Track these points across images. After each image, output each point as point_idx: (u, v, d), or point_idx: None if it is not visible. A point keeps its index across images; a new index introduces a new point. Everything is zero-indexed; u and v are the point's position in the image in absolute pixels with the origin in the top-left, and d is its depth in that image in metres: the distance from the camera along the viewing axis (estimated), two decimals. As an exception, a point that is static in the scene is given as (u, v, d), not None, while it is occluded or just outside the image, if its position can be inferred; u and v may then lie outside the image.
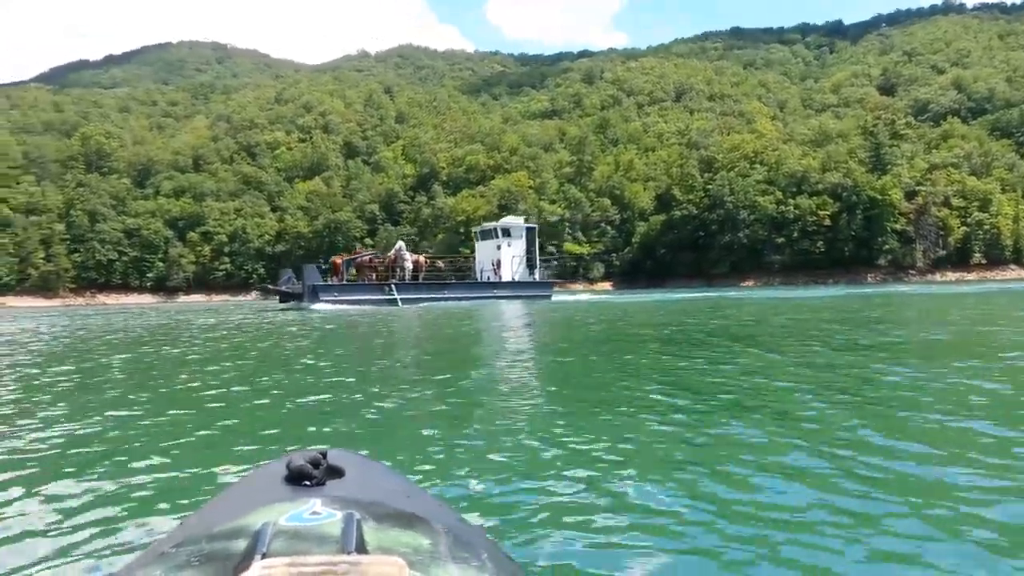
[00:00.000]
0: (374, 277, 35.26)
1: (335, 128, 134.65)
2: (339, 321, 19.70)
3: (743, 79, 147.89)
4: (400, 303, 32.79)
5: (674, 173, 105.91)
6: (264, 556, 0.64)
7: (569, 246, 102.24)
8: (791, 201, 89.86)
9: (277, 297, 36.99)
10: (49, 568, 2.37)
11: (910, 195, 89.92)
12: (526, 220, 44.19)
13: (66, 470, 3.70)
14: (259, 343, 12.54)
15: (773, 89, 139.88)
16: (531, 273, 39.65)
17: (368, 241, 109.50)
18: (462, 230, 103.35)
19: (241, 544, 0.70)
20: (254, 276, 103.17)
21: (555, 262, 43.71)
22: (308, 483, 0.93)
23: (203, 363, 9.51)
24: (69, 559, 2.44)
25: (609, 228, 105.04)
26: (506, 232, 39.88)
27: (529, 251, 40.05)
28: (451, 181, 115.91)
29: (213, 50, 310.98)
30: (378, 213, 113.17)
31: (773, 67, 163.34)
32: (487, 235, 41.53)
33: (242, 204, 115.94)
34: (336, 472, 0.98)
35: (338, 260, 36.07)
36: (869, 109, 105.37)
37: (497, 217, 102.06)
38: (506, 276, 38.66)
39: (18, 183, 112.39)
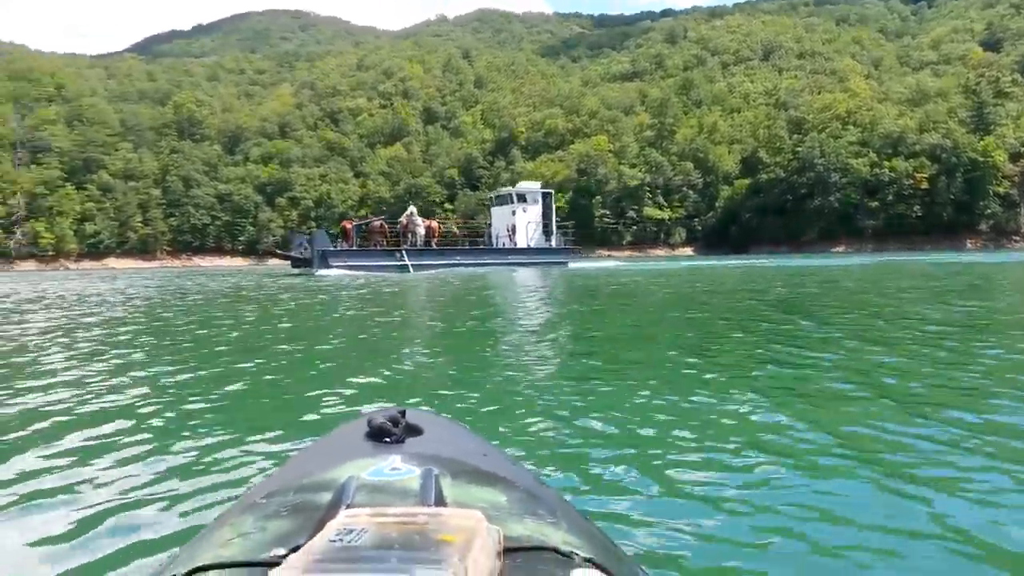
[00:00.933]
0: (385, 243, 34.81)
1: (415, 94, 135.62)
2: (350, 288, 19.37)
3: (835, 36, 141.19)
4: (411, 269, 32.37)
5: (761, 135, 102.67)
6: (348, 507, 0.67)
7: (650, 211, 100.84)
8: (886, 163, 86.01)
9: (290, 262, 36.58)
10: (148, 518, 2.49)
11: (1015, 157, 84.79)
12: (543, 185, 42.88)
13: (152, 428, 3.83)
14: (273, 309, 12.44)
15: (867, 46, 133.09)
16: (547, 239, 38.64)
17: (448, 206, 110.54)
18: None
19: (327, 496, 0.73)
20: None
21: (571, 230, 42.37)
22: (388, 440, 0.95)
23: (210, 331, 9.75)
24: (168, 511, 2.56)
25: (691, 192, 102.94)
26: (521, 197, 38.86)
27: (545, 217, 38.95)
28: (530, 145, 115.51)
29: (295, 18, 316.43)
30: (457, 178, 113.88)
31: (867, 23, 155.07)
32: (502, 200, 40.35)
33: (327, 170, 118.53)
34: (415, 430, 1.00)
35: (349, 225, 35.75)
36: (971, 66, 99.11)
37: (577, 182, 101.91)
38: (521, 242, 37.79)
39: (116, 150, 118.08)
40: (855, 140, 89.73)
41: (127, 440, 3.54)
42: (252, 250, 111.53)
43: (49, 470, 3.11)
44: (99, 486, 2.85)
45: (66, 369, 5.91)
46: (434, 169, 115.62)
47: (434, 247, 35.54)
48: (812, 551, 2.10)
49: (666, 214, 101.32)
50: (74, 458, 3.27)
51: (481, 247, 38.26)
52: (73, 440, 3.60)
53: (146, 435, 3.62)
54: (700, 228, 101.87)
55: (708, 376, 4.89)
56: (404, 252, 33.36)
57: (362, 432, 1.00)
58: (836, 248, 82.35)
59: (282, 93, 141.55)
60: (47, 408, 4.37)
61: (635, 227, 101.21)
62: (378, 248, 34.15)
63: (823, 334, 7.13)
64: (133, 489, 2.79)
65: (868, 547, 2.11)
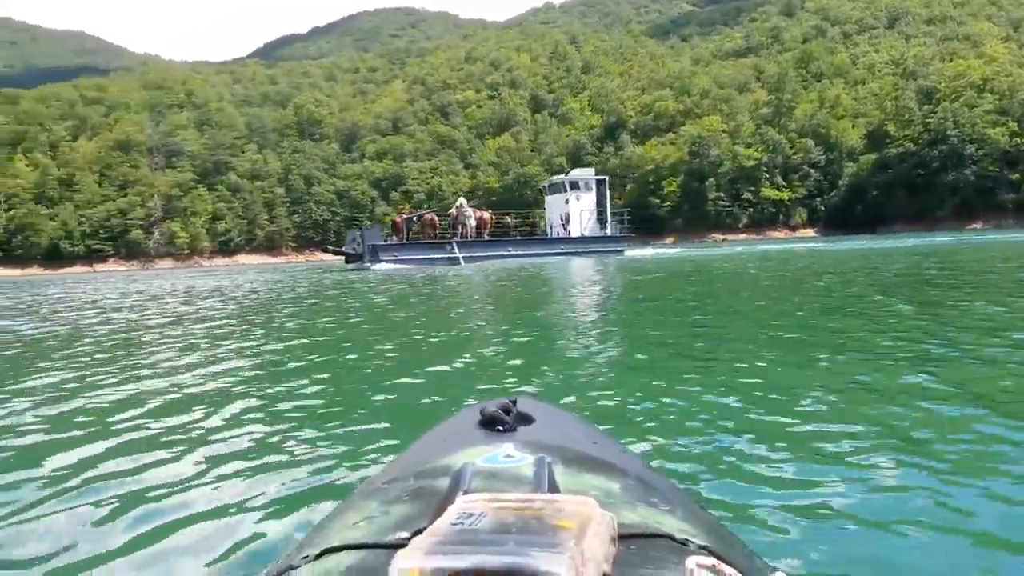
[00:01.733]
0: (435, 236, 34.42)
1: (522, 83, 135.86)
2: (403, 281, 19.37)
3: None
4: (462, 261, 32.05)
5: (888, 107, 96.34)
6: (465, 493, 0.68)
7: (767, 191, 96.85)
8: (1029, 132, 78.91)
9: (343, 258, 36.80)
10: (275, 500, 2.57)
11: None
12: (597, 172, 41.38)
13: (271, 413, 3.91)
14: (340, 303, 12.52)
15: (1006, 7, 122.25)
16: (602, 228, 37.49)
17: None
18: (651, 180, 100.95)
19: (444, 482, 0.75)
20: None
21: (626, 217, 40.71)
22: (500, 428, 0.96)
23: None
24: (293, 494, 2.64)
25: (812, 171, 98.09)
26: (575, 185, 37.74)
27: (600, 204, 37.76)
28: (639, 129, 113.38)
29: (406, 15, 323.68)
30: (566, 165, 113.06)
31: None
32: (555, 189, 39.26)
33: (438, 163, 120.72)
34: (526, 419, 1.00)
35: (399, 219, 35.75)
36: None
37: (689, 164, 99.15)
38: (575, 231, 36.85)
39: (243, 152, 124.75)
40: (992, 109, 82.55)
41: (253, 426, 3.73)
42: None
43: (162, 454, 3.26)
44: (221, 472, 2.96)
45: (182, 357, 6.37)
46: (542, 157, 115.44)
47: (486, 238, 35.19)
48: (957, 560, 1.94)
49: (785, 194, 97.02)
50: (191, 439, 3.47)
51: (533, 237, 37.62)
52: (190, 422, 3.83)
53: (271, 425, 3.74)
54: (823, 208, 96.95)
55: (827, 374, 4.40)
56: (455, 244, 33.15)
57: (474, 421, 1.01)
58: (972, 225, 76.00)
59: (394, 89, 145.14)
60: (158, 393, 4.69)
61: (751, 209, 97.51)
62: (428, 241, 33.88)
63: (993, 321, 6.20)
64: (259, 473, 2.92)
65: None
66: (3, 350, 7.68)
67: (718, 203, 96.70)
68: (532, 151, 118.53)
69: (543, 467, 0.75)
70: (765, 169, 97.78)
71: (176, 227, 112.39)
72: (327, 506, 2.31)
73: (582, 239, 36.28)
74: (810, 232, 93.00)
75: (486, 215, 36.79)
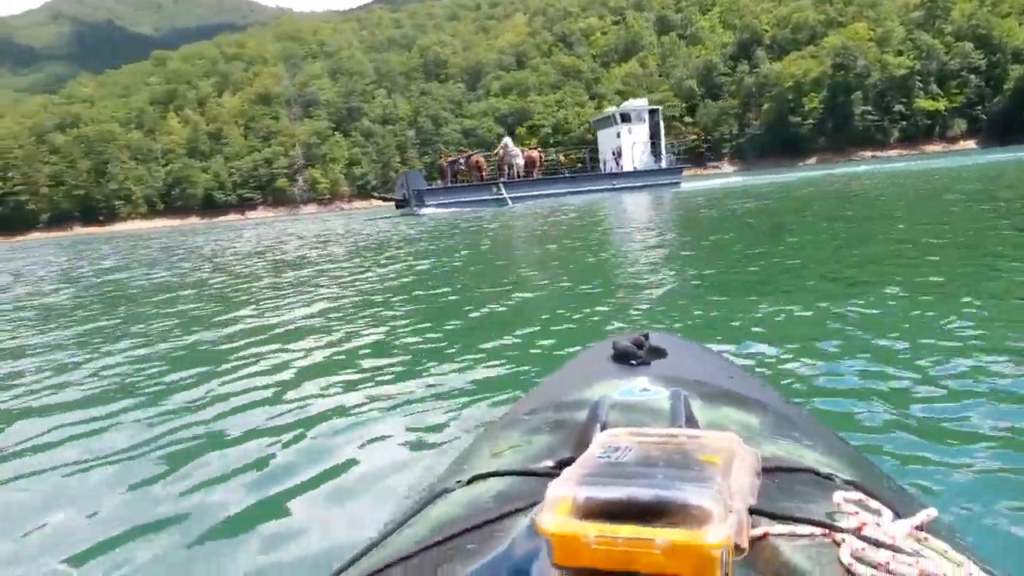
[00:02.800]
0: (482, 177, 33.61)
1: (647, 5, 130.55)
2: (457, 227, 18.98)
3: None
4: (510, 202, 31.27)
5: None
6: (604, 426, 0.68)
7: (921, 102, 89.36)
8: None
9: (394, 204, 36.42)
10: (418, 429, 2.65)
11: None
12: (649, 102, 38.91)
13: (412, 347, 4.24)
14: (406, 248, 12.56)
15: None
16: (656, 160, 35.86)
17: (688, 119, 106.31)
18: (791, 97, 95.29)
19: (582, 414, 0.76)
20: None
21: (680, 146, 38.18)
22: (633, 362, 0.96)
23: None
24: (434, 424, 2.72)
25: (972, 77, 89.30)
26: (625, 117, 36.06)
27: (653, 136, 36.11)
28: (776, 44, 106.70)
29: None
30: (696, 89, 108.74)
31: None
32: (605, 123, 37.70)
33: (563, 95, 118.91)
34: (659, 352, 1.00)
35: (444, 162, 35.24)
36: None
37: (833, 78, 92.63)
38: (627, 165, 35.40)
39: (374, 97, 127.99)
40: None
41: (385, 360, 3.87)
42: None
43: (283, 391, 3.42)
44: (365, 407, 3.06)
45: (323, 295, 6.74)
46: (671, 82, 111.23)
47: (535, 177, 34.35)
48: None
49: (941, 104, 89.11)
50: (325, 379, 3.57)
51: (583, 174, 36.40)
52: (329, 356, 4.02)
53: (409, 361, 3.87)
54: (984, 117, 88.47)
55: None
56: (501, 185, 32.43)
57: (607, 355, 1.01)
58: None
59: (516, 23, 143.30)
60: (262, 330, 5.04)
61: (904, 122, 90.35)
62: (474, 183, 33.25)
63: None
64: (399, 406, 3.02)
65: None
66: (170, 290, 8.44)
67: (866, 118, 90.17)
68: (660, 76, 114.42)
69: (679, 400, 0.75)
70: (919, 78, 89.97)
71: (317, 174, 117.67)
72: (468, 437, 2.32)
73: (635, 173, 35.12)
74: (970, 144, 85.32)
75: (534, 154, 36.15)
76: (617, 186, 34.02)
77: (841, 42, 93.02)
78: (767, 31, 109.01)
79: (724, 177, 56.64)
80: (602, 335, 3.98)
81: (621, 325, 4.28)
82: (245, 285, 8.53)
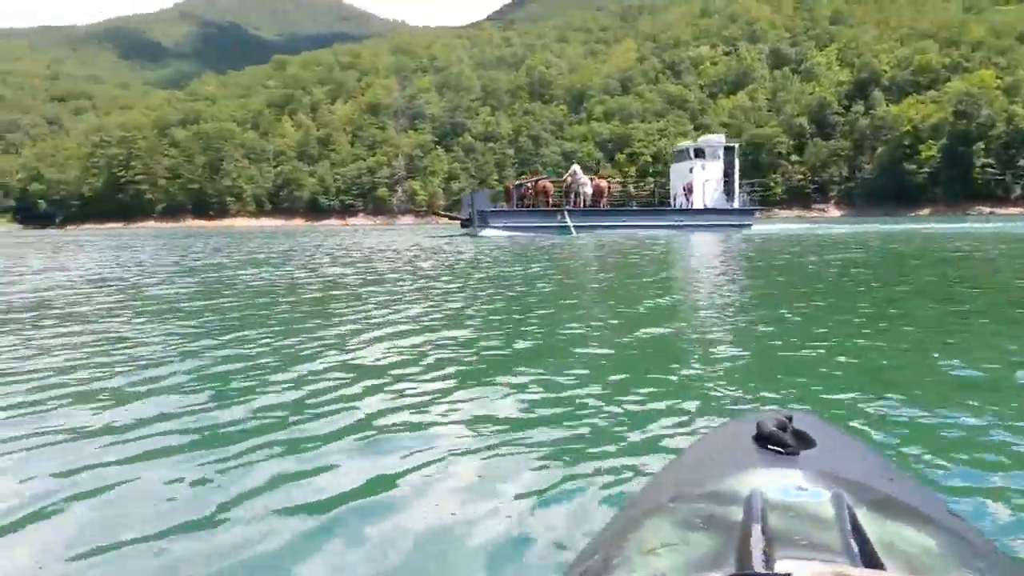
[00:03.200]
0: (548, 203, 32.96)
1: (762, 36, 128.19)
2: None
3: None
4: (573, 231, 30.71)
5: None
6: (764, 530, 0.65)
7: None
8: None
9: (459, 223, 36.32)
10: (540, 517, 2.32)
11: None
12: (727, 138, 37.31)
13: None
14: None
15: None
16: (728, 200, 34.33)
17: (795, 158, 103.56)
18: (907, 143, 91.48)
19: (734, 511, 0.71)
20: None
21: (757, 189, 36.62)
22: (780, 450, 0.91)
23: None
24: (540, 490, 2.43)
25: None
26: (700, 153, 34.75)
27: (728, 174, 34.52)
28: (895, 86, 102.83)
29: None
30: (807, 126, 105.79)
31: None
32: (680, 156, 36.42)
33: (666, 124, 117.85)
34: (806, 440, 0.94)
35: (510, 185, 34.90)
36: None
37: (953, 126, 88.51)
38: (697, 203, 34.04)
39: (477, 114, 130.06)
40: None
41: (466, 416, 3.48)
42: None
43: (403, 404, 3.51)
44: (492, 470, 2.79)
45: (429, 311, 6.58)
46: (781, 117, 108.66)
47: (603, 207, 33.71)
48: None
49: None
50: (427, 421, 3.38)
51: (651, 208, 35.39)
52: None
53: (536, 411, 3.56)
54: None
55: None
56: (566, 213, 31.84)
57: (748, 436, 0.96)
58: None
59: (625, 48, 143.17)
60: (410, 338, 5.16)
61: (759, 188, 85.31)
62: (538, 209, 32.82)
63: None
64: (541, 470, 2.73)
65: None
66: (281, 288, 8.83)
67: (987, 171, 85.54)
68: (769, 111, 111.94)
69: (843, 508, 0.69)
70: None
71: (416, 185, 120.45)
72: (595, 512, 2.21)
73: (704, 211, 33.96)
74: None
75: (603, 183, 35.41)
76: (685, 223, 33.25)
77: (965, 88, 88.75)
78: (886, 71, 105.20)
79: (819, 222, 54.49)
80: (675, 385, 3.89)
81: (691, 373, 4.12)
82: (334, 291, 9.00)
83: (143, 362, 4.57)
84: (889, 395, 3.53)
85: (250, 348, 5.00)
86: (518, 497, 2.35)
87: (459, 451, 2.83)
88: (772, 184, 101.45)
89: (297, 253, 19.09)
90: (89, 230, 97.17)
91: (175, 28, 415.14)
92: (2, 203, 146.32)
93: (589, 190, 33.72)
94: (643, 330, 5.68)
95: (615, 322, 6.17)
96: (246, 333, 5.65)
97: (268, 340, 5.29)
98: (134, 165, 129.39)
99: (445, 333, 5.54)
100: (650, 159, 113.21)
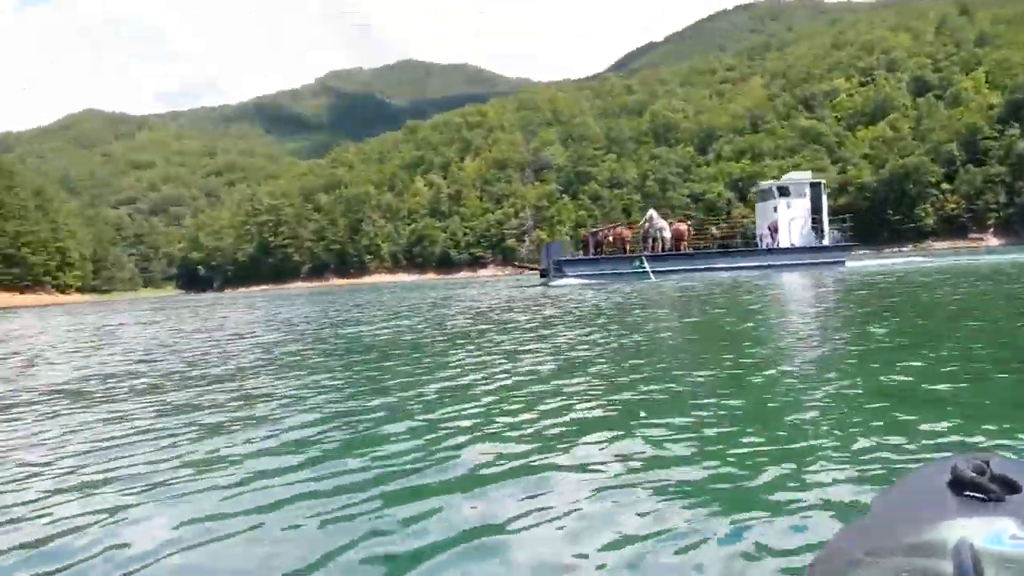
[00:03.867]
0: (625, 249, 33.24)
1: (901, 65, 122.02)
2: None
3: None
4: (652, 276, 30.49)
5: None
6: None
7: None
8: None
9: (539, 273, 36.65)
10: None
11: None
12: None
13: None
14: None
15: None
16: (818, 237, 33.18)
17: (945, 186, 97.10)
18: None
19: (942, 565, 0.65)
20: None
21: (849, 224, 36.90)
22: (983, 496, 0.81)
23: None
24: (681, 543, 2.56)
25: None
26: (784, 191, 33.79)
27: (815, 212, 33.46)
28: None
29: (765, 9, 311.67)
30: (957, 153, 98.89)
31: None
32: (765, 196, 35.24)
33: (800, 159, 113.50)
34: (1010, 485, 0.84)
35: (587, 234, 35.24)
36: None
37: None
38: (784, 242, 33.08)
39: (603, 161, 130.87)
40: None
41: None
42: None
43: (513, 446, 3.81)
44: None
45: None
46: (927, 145, 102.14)
47: (684, 251, 33.38)
48: None
49: None
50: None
51: (733, 249, 34.51)
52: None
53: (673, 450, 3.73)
54: None
55: None
56: (643, 258, 31.86)
57: (943, 481, 0.87)
58: None
59: (753, 87, 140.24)
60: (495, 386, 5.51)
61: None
62: (614, 255, 33.10)
63: None
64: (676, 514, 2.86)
65: None
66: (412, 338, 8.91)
67: None
68: (915, 140, 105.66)
69: None
70: None
71: (544, 235, 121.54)
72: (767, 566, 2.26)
73: (791, 250, 32.94)
74: None
75: (682, 226, 35.56)
76: (771, 263, 32.41)
77: None
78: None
79: (889, 257, 51.02)
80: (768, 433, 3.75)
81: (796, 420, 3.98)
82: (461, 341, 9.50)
83: (278, 411, 5.13)
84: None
85: (379, 397, 5.46)
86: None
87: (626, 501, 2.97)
88: (923, 215, 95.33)
89: (423, 307, 20.07)
90: (243, 292, 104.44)
91: (315, 101, 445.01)
92: (166, 271, 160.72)
93: (668, 234, 33.89)
94: (755, 375, 5.56)
95: (735, 370, 6.00)
96: (378, 382, 6.25)
97: (400, 386, 5.85)
98: (282, 230, 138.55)
99: (545, 385, 5.61)
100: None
